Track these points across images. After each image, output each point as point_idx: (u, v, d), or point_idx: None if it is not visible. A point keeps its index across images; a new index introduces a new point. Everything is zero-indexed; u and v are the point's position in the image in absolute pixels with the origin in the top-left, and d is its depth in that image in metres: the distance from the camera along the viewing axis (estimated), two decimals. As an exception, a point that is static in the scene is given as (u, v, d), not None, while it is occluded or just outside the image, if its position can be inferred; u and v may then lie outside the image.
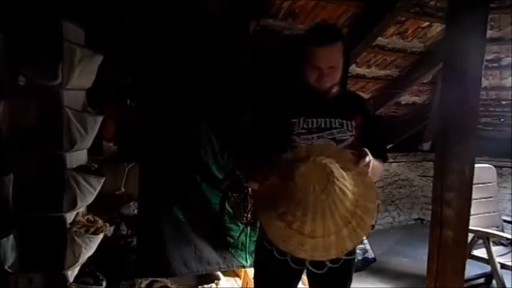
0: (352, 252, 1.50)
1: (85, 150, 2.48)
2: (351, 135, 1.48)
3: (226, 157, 2.65)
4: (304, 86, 1.49)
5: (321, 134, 1.46)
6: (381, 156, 1.52)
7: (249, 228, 2.71)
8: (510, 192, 4.41)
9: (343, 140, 1.47)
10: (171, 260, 2.52)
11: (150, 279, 2.70)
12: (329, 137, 1.46)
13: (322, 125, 1.47)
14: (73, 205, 2.23)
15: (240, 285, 2.88)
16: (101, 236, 2.39)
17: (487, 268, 3.04)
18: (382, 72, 3.96)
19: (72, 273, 2.33)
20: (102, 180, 2.39)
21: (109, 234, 2.75)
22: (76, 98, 2.34)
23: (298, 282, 1.60)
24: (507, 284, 2.87)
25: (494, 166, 3.44)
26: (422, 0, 3.06)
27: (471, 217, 2.17)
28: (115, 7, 2.51)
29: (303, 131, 1.46)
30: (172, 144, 2.54)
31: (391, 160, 5.09)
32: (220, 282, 2.84)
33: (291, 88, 1.62)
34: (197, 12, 2.60)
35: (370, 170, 1.31)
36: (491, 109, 4.35)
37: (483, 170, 3.24)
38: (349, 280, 1.58)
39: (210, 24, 2.61)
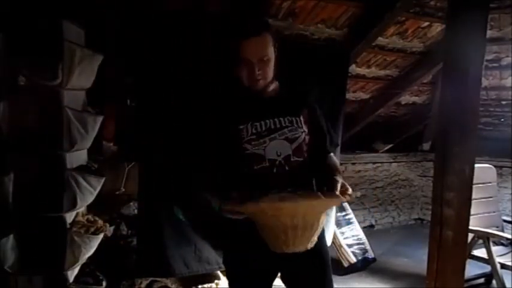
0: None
1: (85, 150, 2.48)
2: (302, 132, 1.43)
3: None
4: (242, 88, 1.45)
5: (272, 135, 1.40)
6: (329, 146, 1.54)
7: (249, 228, 2.71)
8: (510, 192, 4.41)
9: (295, 138, 1.42)
10: (171, 260, 2.52)
11: (150, 279, 2.71)
12: (281, 138, 1.40)
13: (272, 126, 1.41)
14: (73, 205, 2.23)
15: (240, 285, 2.87)
16: (101, 236, 2.38)
17: (487, 268, 3.04)
18: (382, 72, 3.96)
19: (72, 273, 2.33)
20: (102, 180, 2.39)
21: (109, 234, 2.75)
22: (76, 98, 2.34)
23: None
24: (507, 284, 2.87)
25: (494, 166, 3.44)
26: (422, 0, 3.06)
27: (471, 217, 2.17)
28: (115, 7, 2.51)
29: (253, 136, 1.40)
30: (172, 144, 2.53)
31: (391, 160, 5.10)
32: (220, 282, 2.84)
33: (230, 94, 1.57)
34: (197, 12, 2.60)
35: (346, 185, 1.34)
36: (491, 109, 4.35)
37: (483, 170, 3.24)
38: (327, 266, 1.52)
39: (210, 24, 2.61)
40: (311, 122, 1.48)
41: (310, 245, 1.32)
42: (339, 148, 3.44)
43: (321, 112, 1.56)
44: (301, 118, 1.45)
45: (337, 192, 1.30)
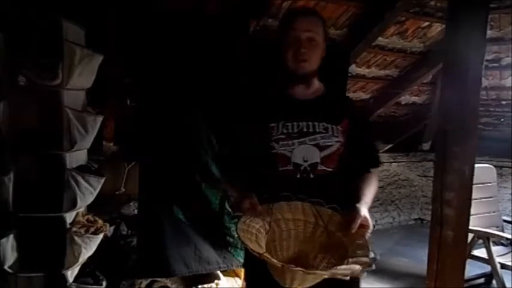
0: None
1: (85, 150, 2.48)
2: (336, 141, 1.34)
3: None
4: (282, 83, 1.41)
5: (302, 139, 1.33)
6: (373, 164, 1.45)
7: (249, 228, 2.71)
8: (510, 192, 4.41)
9: (327, 146, 1.33)
10: (170, 259, 2.52)
11: (150, 279, 2.71)
12: (311, 143, 1.33)
13: (304, 129, 1.34)
14: (73, 205, 2.23)
15: (240, 285, 2.88)
16: (100, 236, 2.38)
17: (487, 268, 3.04)
18: (382, 72, 3.96)
19: (72, 273, 2.32)
20: (102, 180, 2.39)
21: (109, 234, 2.75)
22: (76, 98, 2.34)
23: None
24: (507, 284, 2.87)
25: (494, 166, 3.44)
26: (422, 0, 3.06)
27: (471, 217, 2.17)
28: (115, 7, 2.51)
29: (282, 136, 1.33)
30: (172, 144, 2.54)
31: (391, 160, 5.10)
32: (220, 282, 2.84)
33: (269, 90, 1.51)
34: (197, 12, 2.61)
35: (368, 221, 1.21)
36: (491, 109, 4.35)
37: (483, 170, 3.25)
38: None
39: (210, 25, 2.61)
40: (351, 134, 1.38)
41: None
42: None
43: (366, 125, 1.49)
44: (339, 127, 1.36)
45: (354, 227, 1.18)
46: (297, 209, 1.27)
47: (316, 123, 1.35)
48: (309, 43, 1.34)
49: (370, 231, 1.22)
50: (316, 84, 1.44)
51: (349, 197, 1.35)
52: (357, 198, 1.32)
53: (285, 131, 1.34)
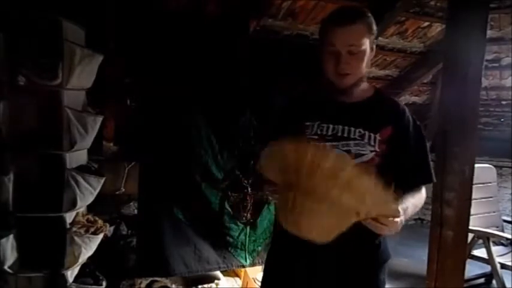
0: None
1: (85, 150, 2.48)
2: (371, 151, 1.23)
3: (226, 157, 2.65)
4: (324, 86, 1.31)
5: (334, 143, 1.23)
6: (424, 179, 1.32)
7: (248, 227, 2.72)
8: (510, 192, 4.41)
9: (360, 155, 1.22)
10: (170, 259, 2.52)
11: (150, 279, 2.71)
12: (343, 149, 1.23)
13: (339, 133, 1.25)
14: (73, 205, 2.23)
15: (240, 285, 2.87)
16: (100, 236, 2.38)
17: (487, 268, 3.04)
18: (382, 72, 3.96)
19: (72, 273, 2.32)
20: (102, 180, 2.39)
21: (109, 234, 2.75)
22: (76, 98, 2.34)
23: None
24: (507, 284, 2.87)
25: (494, 166, 3.44)
26: (422, 0, 3.06)
27: (471, 217, 2.17)
28: (115, 7, 2.51)
29: (315, 137, 1.25)
30: (172, 144, 2.54)
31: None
32: (220, 282, 2.84)
33: (310, 90, 1.44)
34: (197, 12, 2.61)
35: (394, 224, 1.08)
36: (491, 109, 4.35)
37: (483, 170, 3.24)
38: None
39: (210, 25, 2.61)
40: (395, 144, 1.26)
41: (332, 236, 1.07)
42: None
43: (415, 135, 1.32)
44: (378, 135, 1.24)
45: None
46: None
47: (352, 129, 1.26)
48: (350, 56, 1.23)
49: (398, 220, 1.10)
50: (364, 86, 1.34)
51: None
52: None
53: (319, 132, 1.27)
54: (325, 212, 1.05)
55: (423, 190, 1.32)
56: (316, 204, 1.05)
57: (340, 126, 1.26)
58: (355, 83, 1.28)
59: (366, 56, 1.27)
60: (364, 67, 1.28)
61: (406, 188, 1.26)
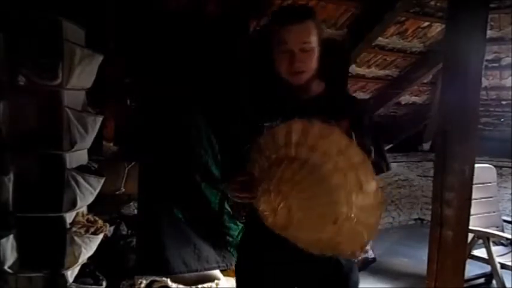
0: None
1: (85, 150, 2.48)
2: None
3: (226, 157, 2.66)
4: (280, 83, 1.31)
5: None
6: (381, 167, 1.36)
7: (248, 228, 2.72)
8: (510, 192, 4.41)
9: None
10: (170, 258, 2.52)
11: (150, 279, 2.70)
12: None
13: None
14: (73, 205, 2.23)
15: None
16: (100, 236, 2.38)
17: (487, 268, 3.03)
18: (382, 72, 3.96)
19: (72, 273, 2.32)
20: (102, 180, 2.39)
21: (109, 234, 2.75)
22: (76, 98, 2.34)
23: None
24: (507, 284, 2.87)
25: (494, 166, 3.44)
26: (422, 0, 3.07)
27: (471, 217, 2.17)
28: (115, 7, 2.51)
29: None
30: (172, 144, 2.54)
31: (391, 160, 5.08)
32: (220, 281, 2.84)
33: (264, 88, 1.44)
34: (197, 12, 2.61)
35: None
36: (491, 109, 4.35)
37: (483, 170, 3.24)
38: None
39: (210, 25, 2.61)
40: (351, 135, 1.26)
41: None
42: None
43: (369, 124, 1.37)
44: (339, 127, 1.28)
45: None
46: None
47: None
48: (303, 54, 1.26)
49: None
50: (316, 83, 1.37)
51: None
52: None
53: None
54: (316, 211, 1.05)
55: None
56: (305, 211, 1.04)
57: None
58: (310, 79, 1.31)
59: (316, 52, 1.29)
60: (316, 63, 1.30)
61: None
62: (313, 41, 1.26)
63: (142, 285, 2.69)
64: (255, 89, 1.54)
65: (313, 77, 1.33)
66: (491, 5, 2.76)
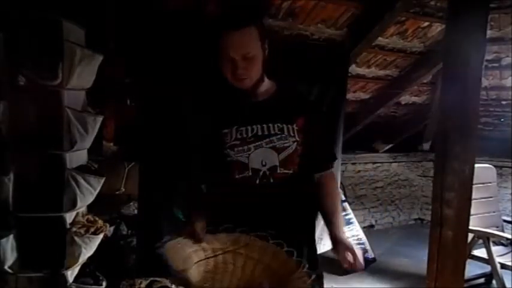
0: None
1: (85, 150, 2.48)
2: (293, 142, 1.27)
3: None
4: (231, 88, 1.30)
5: (258, 143, 1.26)
6: (328, 161, 1.39)
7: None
8: (510, 192, 4.41)
9: (284, 147, 1.26)
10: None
11: (150, 279, 2.70)
12: (268, 146, 1.25)
13: (259, 133, 1.27)
14: (73, 205, 2.23)
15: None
16: (100, 236, 2.38)
17: (487, 268, 3.04)
18: (382, 72, 3.96)
19: (72, 273, 2.32)
20: (102, 180, 2.39)
21: (109, 234, 2.75)
22: (76, 98, 2.33)
23: None
24: (507, 284, 2.87)
25: (494, 166, 3.44)
26: (422, 0, 3.07)
27: (471, 217, 2.17)
28: (115, 7, 2.51)
29: (237, 142, 1.26)
30: (173, 144, 2.54)
31: (391, 160, 5.10)
32: (220, 282, 2.84)
33: (217, 95, 1.42)
34: (197, 12, 2.61)
35: (355, 252, 1.21)
36: (491, 109, 4.35)
37: (483, 170, 3.25)
38: None
39: (209, 25, 2.61)
40: (307, 131, 1.31)
41: None
42: (340, 149, 3.43)
43: (323, 120, 1.41)
44: (295, 126, 1.29)
45: (347, 263, 1.19)
46: (238, 242, 1.18)
47: (270, 125, 1.28)
48: (245, 61, 1.24)
49: (359, 260, 1.19)
50: (266, 84, 1.35)
51: (311, 199, 1.32)
52: (326, 219, 1.30)
53: (239, 136, 1.27)
54: None
55: (332, 178, 1.40)
56: None
57: (258, 125, 1.28)
58: (256, 84, 1.30)
59: (260, 58, 1.27)
60: (260, 67, 1.29)
61: (316, 172, 1.34)
62: (256, 47, 1.24)
63: (142, 285, 2.69)
64: (207, 95, 1.53)
65: (259, 81, 1.31)
66: (491, 5, 2.76)
